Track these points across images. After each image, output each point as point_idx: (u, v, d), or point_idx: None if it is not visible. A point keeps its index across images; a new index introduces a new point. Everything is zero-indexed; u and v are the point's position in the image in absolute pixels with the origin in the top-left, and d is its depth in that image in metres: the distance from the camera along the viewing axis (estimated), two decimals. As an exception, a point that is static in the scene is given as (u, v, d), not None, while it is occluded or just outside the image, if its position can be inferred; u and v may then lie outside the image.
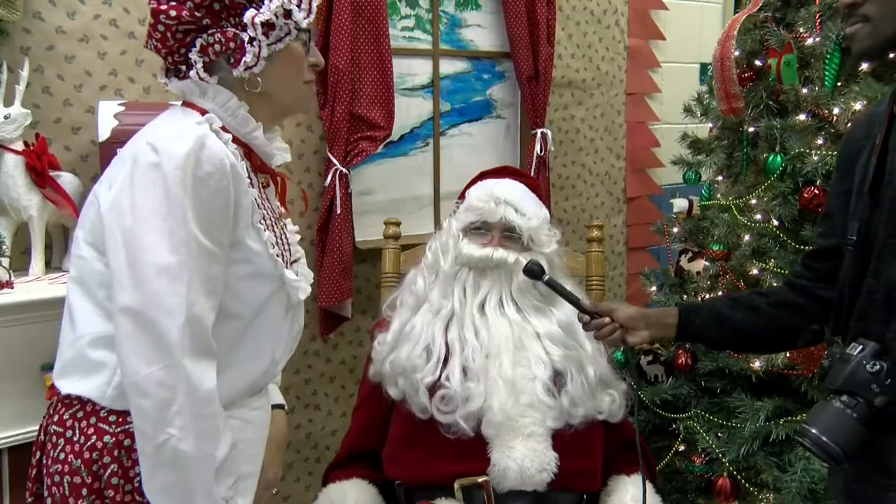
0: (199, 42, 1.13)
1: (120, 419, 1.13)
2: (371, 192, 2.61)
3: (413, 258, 1.95)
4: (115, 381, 1.12)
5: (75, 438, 1.13)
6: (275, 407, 1.43)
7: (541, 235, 1.70)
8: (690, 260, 2.38)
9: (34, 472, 1.21)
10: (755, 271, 2.06)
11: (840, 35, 1.94)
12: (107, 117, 1.79)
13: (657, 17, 3.38)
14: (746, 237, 2.09)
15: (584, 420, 1.56)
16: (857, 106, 1.89)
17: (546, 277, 1.52)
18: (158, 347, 1.03)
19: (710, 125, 2.44)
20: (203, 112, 1.16)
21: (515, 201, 1.70)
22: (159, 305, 1.03)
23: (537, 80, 2.74)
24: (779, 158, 2.02)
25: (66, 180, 1.85)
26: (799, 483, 1.85)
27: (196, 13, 1.12)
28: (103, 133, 1.77)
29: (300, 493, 2.55)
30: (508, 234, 1.68)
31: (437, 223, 2.68)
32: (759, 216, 2.07)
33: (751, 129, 2.19)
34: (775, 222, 2.03)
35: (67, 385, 1.16)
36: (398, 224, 2.08)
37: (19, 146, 1.76)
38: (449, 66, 2.75)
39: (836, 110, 1.96)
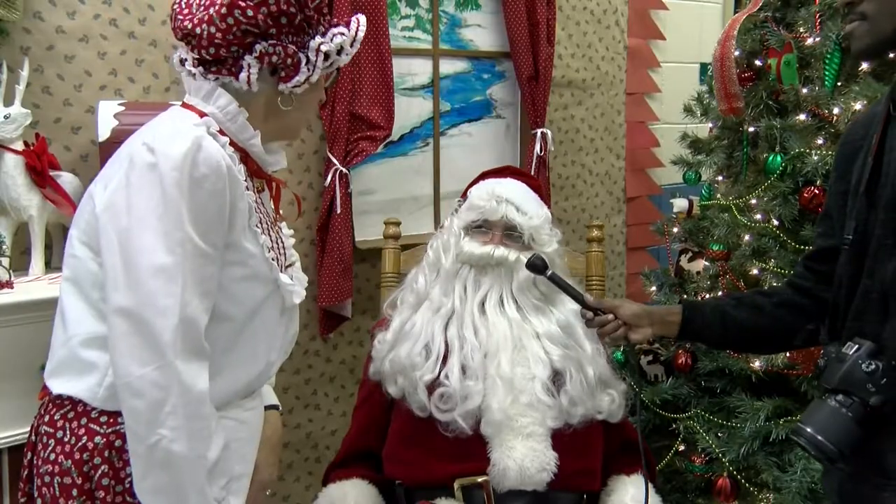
0: (258, 48, 1.14)
1: (111, 420, 1.13)
2: (371, 192, 2.61)
3: (413, 258, 1.95)
4: (106, 382, 1.11)
5: (66, 439, 1.13)
6: (269, 408, 1.44)
7: (542, 235, 1.70)
8: (690, 260, 2.38)
9: (25, 472, 1.21)
10: (755, 271, 2.06)
11: (840, 35, 1.94)
12: (107, 117, 1.79)
13: (657, 17, 3.38)
14: (746, 237, 2.10)
15: (583, 420, 1.56)
16: (857, 106, 1.88)
17: (549, 272, 1.52)
18: (152, 348, 1.03)
19: (710, 125, 2.44)
20: (201, 114, 1.16)
21: (517, 200, 1.70)
22: (154, 306, 1.03)
23: (537, 79, 2.74)
24: (779, 158, 2.02)
25: (66, 180, 1.85)
26: (799, 483, 1.85)
27: (268, 20, 1.13)
28: (103, 133, 1.77)
29: (300, 493, 2.55)
30: (509, 233, 1.68)
31: (437, 223, 2.68)
32: (759, 216, 2.07)
33: (751, 129, 2.19)
34: (775, 222, 2.03)
35: (59, 385, 1.16)
36: (398, 224, 2.08)
37: (19, 146, 1.76)
38: (449, 66, 2.75)
39: (836, 110, 1.96)
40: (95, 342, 1.12)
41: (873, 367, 1.10)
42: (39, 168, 1.77)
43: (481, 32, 2.81)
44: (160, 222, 1.04)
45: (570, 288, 1.52)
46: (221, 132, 1.16)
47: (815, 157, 1.94)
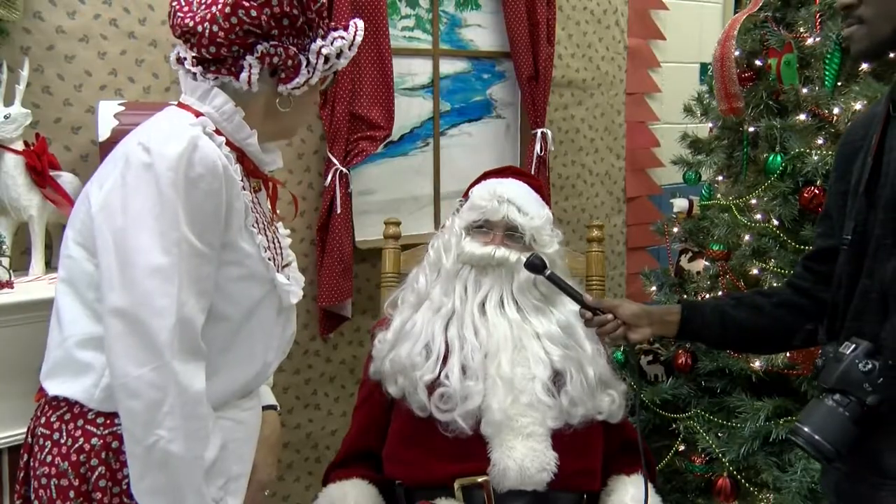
0: (259, 49, 1.14)
1: (108, 421, 1.13)
2: (371, 192, 2.61)
3: (413, 258, 1.95)
4: (102, 383, 1.11)
5: (62, 440, 1.13)
6: (266, 408, 1.43)
7: (543, 235, 1.70)
8: (690, 260, 2.38)
9: (22, 474, 1.20)
10: (755, 271, 2.06)
11: (840, 35, 1.94)
12: (107, 117, 1.79)
13: (657, 17, 3.38)
14: (746, 237, 2.10)
15: (583, 420, 1.56)
16: (857, 106, 1.89)
17: (548, 272, 1.52)
18: (148, 349, 1.03)
19: (710, 125, 2.44)
20: (197, 114, 1.15)
21: (518, 201, 1.70)
22: (150, 306, 1.03)
23: (537, 79, 2.74)
24: (779, 158, 2.02)
25: (66, 180, 1.85)
26: (799, 483, 1.85)
27: (271, 21, 1.13)
28: (103, 133, 1.77)
29: (300, 493, 2.55)
30: (511, 234, 1.68)
31: (437, 223, 2.68)
32: (759, 216, 2.07)
33: (751, 129, 2.19)
34: (775, 222, 2.03)
35: (55, 386, 1.16)
36: (398, 224, 2.08)
37: (19, 146, 1.76)
38: (449, 66, 2.75)
39: (836, 110, 1.96)
40: (91, 343, 1.12)
41: (870, 366, 1.11)
42: (39, 168, 1.77)
43: (481, 32, 2.81)
44: (156, 222, 1.04)
45: (569, 288, 1.52)
46: (218, 132, 1.15)
47: (815, 157, 1.94)
